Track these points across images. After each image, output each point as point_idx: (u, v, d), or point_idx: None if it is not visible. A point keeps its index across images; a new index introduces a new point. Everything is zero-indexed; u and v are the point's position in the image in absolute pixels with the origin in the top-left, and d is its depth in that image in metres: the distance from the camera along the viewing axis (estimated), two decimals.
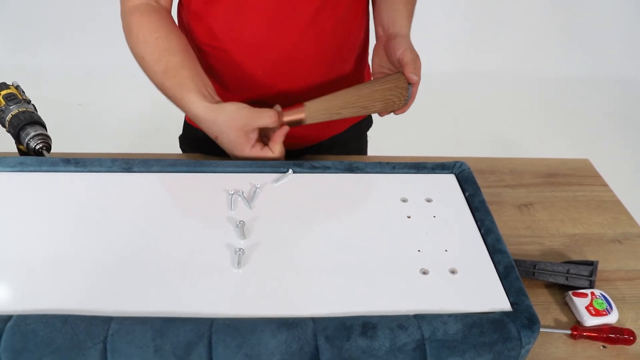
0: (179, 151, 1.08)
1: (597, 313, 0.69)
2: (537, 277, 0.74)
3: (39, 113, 0.86)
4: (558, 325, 0.70)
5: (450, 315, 0.53)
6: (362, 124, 1.07)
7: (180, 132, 1.08)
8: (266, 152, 0.76)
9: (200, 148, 1.01)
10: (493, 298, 0.56)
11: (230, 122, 0.73)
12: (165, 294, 0.55)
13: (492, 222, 0.65)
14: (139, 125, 2.44)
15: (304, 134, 0.97)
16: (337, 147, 1.03)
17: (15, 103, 0.83)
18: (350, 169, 0.73)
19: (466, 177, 0.73)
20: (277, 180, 0.71)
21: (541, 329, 0.67)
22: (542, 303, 0.73)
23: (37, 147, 0.80)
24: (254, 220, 0.64)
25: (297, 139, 0.97)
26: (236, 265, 0.58)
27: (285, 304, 0.54)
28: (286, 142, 0.98)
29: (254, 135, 0.75)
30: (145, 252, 0.59)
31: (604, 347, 0.67)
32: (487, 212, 0.67)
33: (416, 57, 0.81)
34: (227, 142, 0.75)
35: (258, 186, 0.69)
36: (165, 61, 0.75)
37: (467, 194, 0.71)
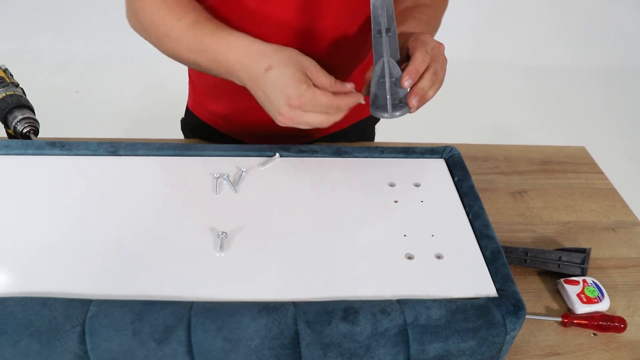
0: (179, 136, 1.07)
1: (589, 300, 0.69)
2: (529, 265, 0.74)
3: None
4: (549, 312, 0.70)
5: (434, 301, 0.52)
6: (368, 119, 1.06)
7: (179, 117, 1.07)
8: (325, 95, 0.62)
9: (201, 134, 1.00)
10: (479, 283, 0.56)
11: (292, 56, 0.63)
12: (147, 277, 0.54)
13: (481, 207, 0.64)
14: (136, 112, 2.43)
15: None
16: (340, 141, 1.01)
17: (3, 86, 0.82)
18: (338, 153, 0.72)
19: (455, 162, 0.72)
20: (263, 164, 0.70)
21: (532, 317, 0.67)
22: (533, 290, 0.73)
23: (24, 130, 0.79)
24: (238, 204, 0.64)
25: (297, 131, 0.96)
26: (219, 249, 0.57)
27: (267, 288, 0.54)
28: (284, 137, 0.96)
29: (310, 83, 0.63)
30: (128, 235, 0.59)
31: (594, 334, 0.67)
32: (476, 197, 0.66)
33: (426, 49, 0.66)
34: (281, 77, 0.61)
35: (244, 170, 0.68)
36: (194, 15, 0.68)
37: (456, 179, 0.69)
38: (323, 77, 0.63)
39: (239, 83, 0.67)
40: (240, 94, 0.90)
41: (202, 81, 0.94)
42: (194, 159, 0.70)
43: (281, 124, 0.64)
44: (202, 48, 0.67)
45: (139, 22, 0.72)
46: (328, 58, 0.84)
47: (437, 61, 0.66)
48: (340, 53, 0.85)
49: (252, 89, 0.65)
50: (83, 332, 0.49)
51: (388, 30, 0.64)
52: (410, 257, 0.58)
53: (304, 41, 0.80)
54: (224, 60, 0.65)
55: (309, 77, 0.62)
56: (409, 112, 0.67)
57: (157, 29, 0.70)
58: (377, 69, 0.65)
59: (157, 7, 0.69)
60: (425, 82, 0.64)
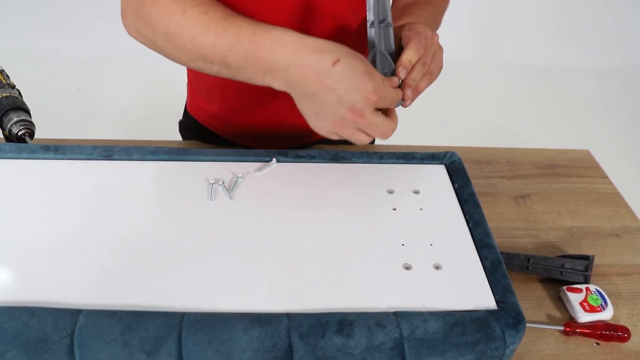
0: (179, 137, 1.06)
1: (592, 309, 0.67)
2: (531, 272, 0.73)
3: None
4: (551, 320, 0.68)
5: (431, 313, 0.51)
6: None
7: (179, 117, 1.06)
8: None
9: (198, 136, 0.99)
10: (478, 295, 0.54)
11: (350, 49, 0.58)
12: (138, 286, 0.53)
13: (481, 215, 0.63)
14: (138, 110, 2.43)
15: (300, 127, 0.94)
16: (339, 142, 1.00)
17: None
18: (336, 159, 0.71)
19: (456, 168, 0.70)
20: (260, 170, 0.68)
21: (533, 325, 0.66)
22: (535, 298, 0.71)
23: (20, 133, 0.78)
24: (233, 211, 0.62)
25: (294, 132, 0.94)
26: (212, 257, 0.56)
27: (260, 298, 0.53)
28: (282, 139, 0.95)
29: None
30: (119, 243, 0.58)
31: (597, 344, 0.66)
32: (477, 205, 0.64)
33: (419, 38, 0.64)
34: (353, 69, 0.56)
35: (240, 175, 0.66)
36: (222, 9, 0.60)
37: (456, 185, 0.68)
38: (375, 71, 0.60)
39: (278, 84, 0.59)
40: (236, 95, 0.89)
41: (200, 82, 0.93)
42: (189, 164, 0.69)
43: (338, 130, 0.59)
44: (235, 44, 0.58)
45: (143, 17, 0.62)
46: None
47: (429, 52, 0.64)
48: (341, 37, 0.83)
49: (308, 87, 0.57)
50: (72, 343, 0.48)
51: (382, 21, 0.63)
52: (407, 267, 0.57)
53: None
54: (267, 56, 0.57)
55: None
56: (403, 106, 0.65)
57: (172, 22, 0.60)
58: (369, 59, 0.64)
59: None
60: (415, 74, 0.63)
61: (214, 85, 0.90)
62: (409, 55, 0.62)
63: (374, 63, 0.64)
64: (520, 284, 0.72)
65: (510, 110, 2.63)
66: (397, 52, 0.65)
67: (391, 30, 0.64)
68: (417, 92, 0.65)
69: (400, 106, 0.65)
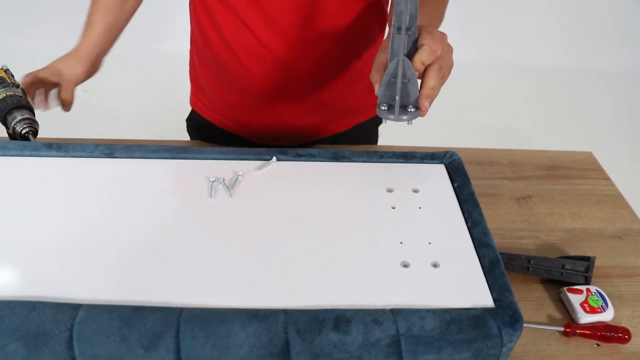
0: (185, 137, 1.07)
1: (592, 310, 0.67)
2: (531, 272, 0.73)
3: None
4: (551, 321, 0.68)
5: (428, 311, 0.51)
6: (370, 121, 1.04)
7: (185, 116, 1.07)
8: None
9: (204, 134, 1.00)
10: (475, 293, 0.54)
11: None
12: (137, 282, 0.53)
13: (480, 214, 0.63)
14: (143, 111, 2.44)
15: (304, 127, 0.94)
16: (342, 142, 1.00)
17: (4, 87, 0.82)
18: (336, 158, 0.71)
19: (456, 167, 0.70)
20: (260, 168, 0.69)
21: (533, 326, 0.66)
22: (536, 299, 0.71)
23: (23, 131, 0.79)
24: (232, 208, 0.63)
25: (298, 131, 0.95)
26: (211, 254, 0.56)
27: (258, 294, 0.53)
28: (290, 137, 0.95)
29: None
30: (119, 239, 0.58)
31: (597, 345, 0.66)
32: (476, 204, 0.64)
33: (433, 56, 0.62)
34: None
35: (240, 173, 0.67)
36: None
37: (455, 185, 0.68)
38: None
39: None
40: (239, 95, 0.90)
41: (203, 77, 0.94)
42: (190, 162, 0.69)
43: None
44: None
45: None
46: (331, 48, 0.83)
47: (442, 57, 0.62)
48: (344, 38, 0.84)
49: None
50: (71, 337, 0.48)
51: (408, 29, 0.60)
52: (405, 265, 0.57)
53: (304, 31, 0.80)
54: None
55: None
56: (420, 116, 0.62)
57: None
58: (391, 67, 0.60)
59: None
60: (432, 81, 0.61)
61: (216, 83, 0.91)
62: (421, 57, 0.60)
63: (395, 70, 0.60)
64: (520, 285, 0.72)
65: (513, 111, 2.62)
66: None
67: (416, 38, 0.61)
68: (432, 100, 0.62)
69: (419, 117, 0.63)
